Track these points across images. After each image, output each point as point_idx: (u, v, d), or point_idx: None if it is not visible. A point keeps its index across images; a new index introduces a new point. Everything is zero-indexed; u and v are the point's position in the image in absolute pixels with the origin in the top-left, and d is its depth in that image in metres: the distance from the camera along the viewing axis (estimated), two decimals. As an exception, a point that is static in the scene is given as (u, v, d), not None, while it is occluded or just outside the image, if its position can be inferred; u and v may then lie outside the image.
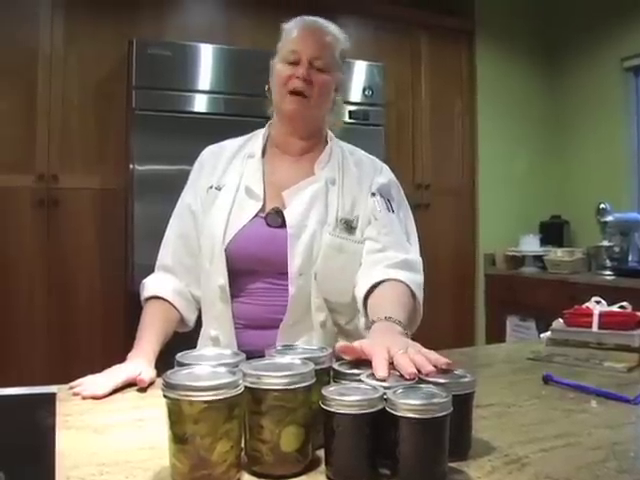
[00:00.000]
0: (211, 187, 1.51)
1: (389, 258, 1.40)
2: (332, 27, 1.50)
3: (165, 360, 1.21)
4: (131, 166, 3.06)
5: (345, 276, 1.42)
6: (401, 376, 0.88)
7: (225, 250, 1.42)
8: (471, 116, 4.32)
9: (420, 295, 1.39)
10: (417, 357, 0.91)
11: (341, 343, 0.99)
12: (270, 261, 1.42)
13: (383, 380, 0.85)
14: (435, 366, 0.90)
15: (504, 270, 4.29)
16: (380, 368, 0.88)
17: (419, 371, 0.88)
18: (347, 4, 3.82)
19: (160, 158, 3.05)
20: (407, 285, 1.35)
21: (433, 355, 0.93)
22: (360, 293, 1.37)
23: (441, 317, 3.86)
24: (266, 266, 1.42)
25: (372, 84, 3.63)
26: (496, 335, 4.13)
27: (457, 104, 4.29)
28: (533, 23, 4.49)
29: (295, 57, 1.43)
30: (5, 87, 3.06)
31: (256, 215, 1.44)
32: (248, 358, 0.91)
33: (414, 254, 1.48)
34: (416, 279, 1.39)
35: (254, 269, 1.43)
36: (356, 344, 0.97)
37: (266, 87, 1.52)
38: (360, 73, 3.63)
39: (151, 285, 1.49)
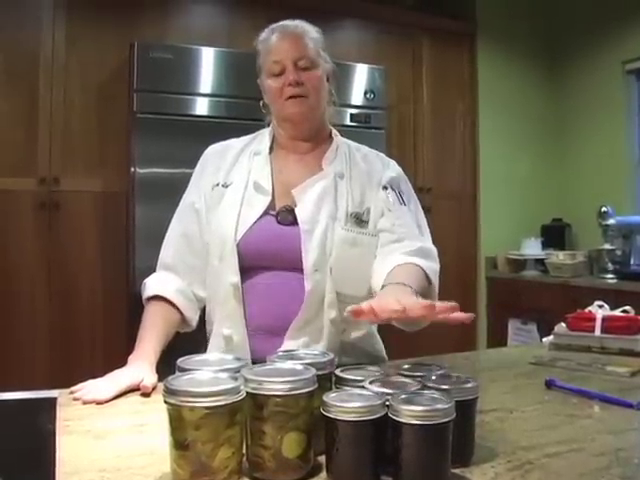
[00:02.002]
0: (217, 185, 1.50)
1: (405, 247, 1.41)
2: (301, 23, 1.49)
3: (167, 362, 1.21)
4: (132, 169, 3.06)
5: (360, 269, 1.42)
6: (405, 381, 0.87)
7: (236, 247, 1.41)
8: (472, 119, 4.32)
9: (436, 282, 1.40)
10: (423, 301, 0.98)
11: (350, 307, 0.98)
12: (282, 257, 1.41)
13: (395, 315, 0.94)
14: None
15: (506, 273, 4.28)
16: (392, 304, 0.96)
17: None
18: (349, 8, 3.82)
19: (161, 161, 3.05)
20: (423, 270, 1.36)
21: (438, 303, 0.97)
22: (377, 282, 1.36)
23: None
24: (278, 263, 1.42)
25: (373, 87, 3.63)
26: (498, 338, 4.13)
27: (459, 107, 4.29)
28: (535, 26, 4.49)
29: (280, 67, 1.43)
30: (7, 90, 3.06)
31: (266, 212, 1.44)
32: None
33: (428, 243, 1.49)
34: (432, 266, 1.40)
35: (265, 266, 1.43)
36: (364, 304, 0.98)
37: (261, 103, 1.52)
38: (362, 76, 3.62)
39: (152, 285, 1.48)
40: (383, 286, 1.24)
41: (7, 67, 3.05)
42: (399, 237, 1.44)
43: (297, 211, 1.43)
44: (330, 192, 1.45)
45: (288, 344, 1.35)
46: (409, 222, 1.49)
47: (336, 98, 1.56)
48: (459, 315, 0.95)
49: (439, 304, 0.96)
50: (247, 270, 1.43)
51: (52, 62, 3.13)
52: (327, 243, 1.41)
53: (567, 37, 4.44)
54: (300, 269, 1.40)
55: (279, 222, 1.43)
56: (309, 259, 1.39)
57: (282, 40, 1.44)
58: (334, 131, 1.58)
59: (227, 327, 1.44)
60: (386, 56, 3.89)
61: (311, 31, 1.48)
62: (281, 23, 1.48)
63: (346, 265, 1.41)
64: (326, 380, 0.89)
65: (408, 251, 1.39)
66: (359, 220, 1.45)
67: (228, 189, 1.48)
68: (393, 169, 1.56)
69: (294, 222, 1.42)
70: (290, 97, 1.43)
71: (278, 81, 1.43)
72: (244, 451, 0.81)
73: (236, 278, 1.42)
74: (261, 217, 1.44)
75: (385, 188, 1.50)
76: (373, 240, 1.45)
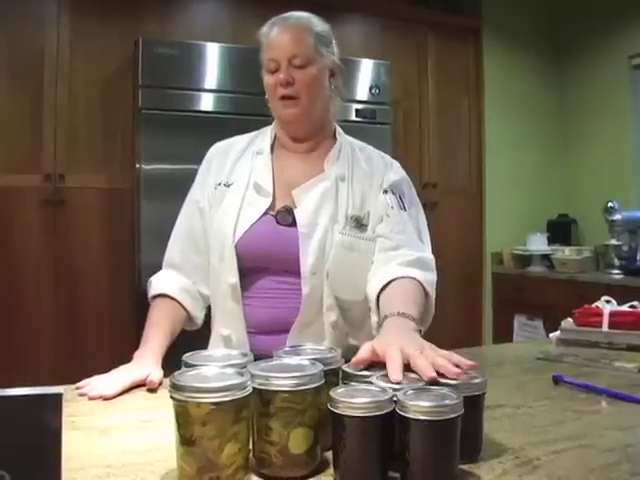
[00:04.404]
0: (219, 184, 1.49)
1: (402, 256, 1.39)
2: (304, 16, 1.47)
3: (172, 359, 1.20)
4: (137, 165, 3.07)
5: (357, 274, 1.41)
6: (412, 376, 0.86)
7: (235, 247, 1.41)
8: (478, 114, 4.31)
9: (432, 294, 1.37)
10: (439, 360, 0.88)
11: (355, 359, 0.94)
12: (281, 260, 1.41)
13: (398, 384, 0.83)
14: (458, 366, 0.87)
15: (511, 269, 4.27)
16: (395, 372, 0.85)
17: (440, 374, 0.85)
18: (354, 3, 3.81)
19: (166, 157, 3.05)
20: (420, 283, 1.34)
21: (455, 357, 0.90)
22: (373, 291, 1.35)
23: (448, 316, 3.84)
24: (276, 265, 1.42)
25: (379, 82, 3.62)
26: (503, 334, 4.12)
27: (464, 102, 4.28)
28: (540, 21, 4.47)
29: (275, 65, 1.42)
30: (12, 87, 3.06)
31: (266, 212, 1.43)
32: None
33: (427, 252, 1.47)
34: (429, 277, 1.38)
35: (264, 267, 1.42)
36: (368, 346, 0.94)
37: (266, 97, 1.50)
38: (367, 71, 3.62)
39: (158, 283, 1.48)
40: (385, 316, 1.19)
41: (12, 64, 3.06)
42: (397, 244, 1.42)
43: (296, 213, 1.42)
44: (331, 195, 1.44)
45: None
46: (408, 228, 1.46)
47: (343, 93, 1.54)
48: (460, 372, 0.86)
49: (439, 363, 0.87)
50: (246, 271, 1.43)
51: (57, 59, 3.13)
52: (326, 247, 1.40)
53: (573, 31, 4.42)
54: (298, 272, 1.39)
55: (278, 222, 1.42)
56: (307, 263, 1.38)
57: (280, 36, 1.42)
58: (339, 129, 1.56)
59: (226, 327, 1.44)
60: (391, 51, 3.88)
61: (315, 24, 1.46)
62: (284, 15, 1.46)
63: (343, 269, 1.40)
64: (333, 375, 0.89)
65: (405, 261, 1.38)
66: (359, 224, 1.43)
67: (230, 189, 1.48)
68: (396, 172, 1.54)
69: (293, 223, 1.41)
70: (281, 98, 1.42)
71: (273, 78, 1.42)
72: (251, 447, 0.81)
73: (235, 279, 1.41)
74: (260, 217, 1.43)
75: (385, 192, 1.47)
76: (371, 245, 1.43)
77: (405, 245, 1.42)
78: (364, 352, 0.94)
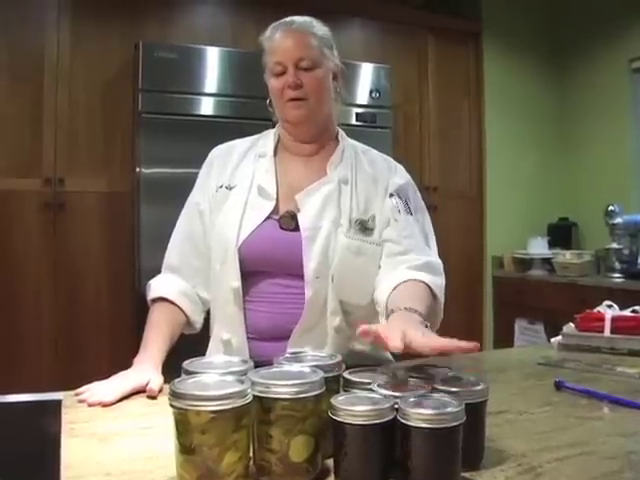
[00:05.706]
0: (221, 186, 1.48)
1: (411, 260, 1.39)
2: (306, 20, 1.46)
3: (172, 364, 1.20)
4: (137, 169, 3.06)
5: (363, 278, 1.40)
6: (417, 385, 0.86)
7: (238, 251, 1.40)
8: (478, 118, 4.30)
9: (441, 297, 1.38)
10: (442, 339, 0.94)
11: (361, 327, 0.99)
12: (284, 263, 1.40)
13: (397, 350, 0.88)
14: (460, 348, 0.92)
15: (512, 273, 4.26)
16: (394, 339, 0.90)
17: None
18: (354, 6, 3.81)
19: (166, 161, 3.05)
20: (429, 286, 1.34)
21: (455, 341, 0.94)
22: (382, 295, 1.35)
23: (449, 319, 3.79)
24: (279, 269, 1.41)
25: (379, 86, 3.62)
26: (504, 338, 4.12)
27: (464, 106, 4.28)
28: (541, 25, 4.47)
29: (281, 68, 1.41)
30: (12, 90, 3.06)
31: (269, 216, 1.43)
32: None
33: (434, 256, 1.47)
34: (438, 281, 1.38)
35: (267, 271, 1.42)
36: (372, 327, 0.97)
37: (267, 101, 1.50)
38: (367, 75, 3.62)
39: (157, 286, 1.47)
40: (392, 310, 1.21)
41: (12, 67, 3.06)
42: (405, 249, 1.42)
43: (299, 217, 1.41)
44: (333, 198, 1.43)
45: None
46: (415, 233, 1.46)
47: (344, 96, 1.53)
48: (463, 347, 0.94)
49: (444, 344, 0.94)
50: (249, 275, 1.42)
51: (57, 62, 3.13)
52: (329, 250, 1.39)
53: (573, 35, 4.42)
54: (301, 275, 1.38)
55: (282, 227, 1.42)
56: (310, 266, 1.38)
57: (285, 39, 1.42)
58: (341, 133, 1.56)
59: (226, 331, 1.43)
60: (392, 55, 3.88)
61: (317, 28, 1.45)
62: (286, 19, 1.46)
63: (349, 273, 1.40)
64: (334, 383, 0.88)
65: (414, 265, 1.37)
66: (364, 227, 1.43)
67: (232, 191, 1.47)
68: (401, 175, 1.53)
69: (297, 227, 1.41)
70: (289, 100, 1.42)
71: (279, 81, 1.42)
72: (251, 455, 0.80)
73: (237, 283, 1.40)
74: (264, 221, 1.42)
75: (391, 196, 1.47)
76: (377, 249, 1.43)
77: (413, 250, 1.42)
78: (371, 326, 0.99)
